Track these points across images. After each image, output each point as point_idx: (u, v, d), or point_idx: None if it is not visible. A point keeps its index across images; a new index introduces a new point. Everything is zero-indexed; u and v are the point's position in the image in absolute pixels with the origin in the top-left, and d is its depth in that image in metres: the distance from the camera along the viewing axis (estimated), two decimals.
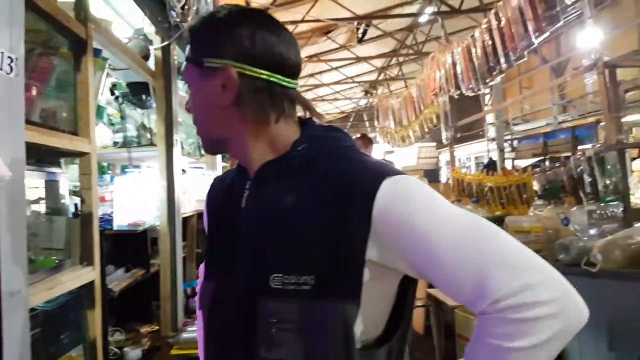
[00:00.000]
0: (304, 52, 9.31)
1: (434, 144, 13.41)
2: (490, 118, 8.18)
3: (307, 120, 0.82)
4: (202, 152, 3.83)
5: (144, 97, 2.54)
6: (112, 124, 2.61)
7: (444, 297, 3.31)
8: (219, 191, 0.89)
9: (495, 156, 6.80)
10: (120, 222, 2.19)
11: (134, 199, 2.26)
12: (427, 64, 4.95)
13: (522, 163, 7.44)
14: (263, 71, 0.75)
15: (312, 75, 11.36)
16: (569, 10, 3.07)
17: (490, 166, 6.19)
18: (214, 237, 0.87)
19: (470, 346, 0.69)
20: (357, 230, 0.69)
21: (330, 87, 12.76)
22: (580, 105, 8.78)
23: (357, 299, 0.69)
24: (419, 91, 5.28)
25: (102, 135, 2.59)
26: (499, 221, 2.92)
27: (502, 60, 3.25)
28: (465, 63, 3.87)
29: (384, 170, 0.72)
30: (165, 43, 2.47)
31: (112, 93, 2.57)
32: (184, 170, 3.19)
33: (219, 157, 3.88)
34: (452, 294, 0.68)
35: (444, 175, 11.61)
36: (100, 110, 2.55)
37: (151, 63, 2.51)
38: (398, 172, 0.72)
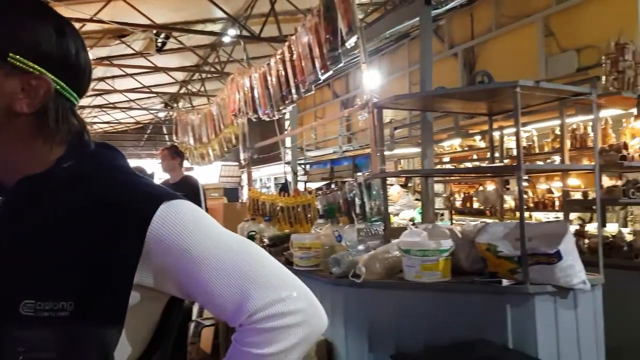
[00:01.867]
0: (94, 54, 8.52)
1: (237, 163, 13.64)
2: (288, 142, 8.77)
3: (76, 135, 0.77)
4: None
5: None
6: None
7: None
8: None
9: (290, 178, 7.30)
10: None
11: None
12: (227, 85, 5.06)
13: (313, 185, 8.17)
14: (49, 74, 0.71)
15: (102, 79, 10.43)
16: (350, 54, 3.53)
17: (285, 188, 6.61)
18: None
19: (226, 357, 0.74)
20: (126, 255, 0.69)
21: (124, 94, 11.90)
22: (361, 137, 10.09)
23: (120, 324, 0.69)
24: (219, 110, 5.35)
25: None
26: (287, 238, 3.14)
27: (294, 90, 3.55)
28: (262, 89, 4.10)
29: (159, 195, 0.73)
30: None
31: None
32: None
33: None
34: (215, 311, 0.74)
35: (245, 194, 11.90)
36: None
37: None
38: (173, 197, 0.74)
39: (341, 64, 3.15)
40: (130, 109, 13.82)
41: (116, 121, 15.41)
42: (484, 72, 2.67)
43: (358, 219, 2.96)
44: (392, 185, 6.24)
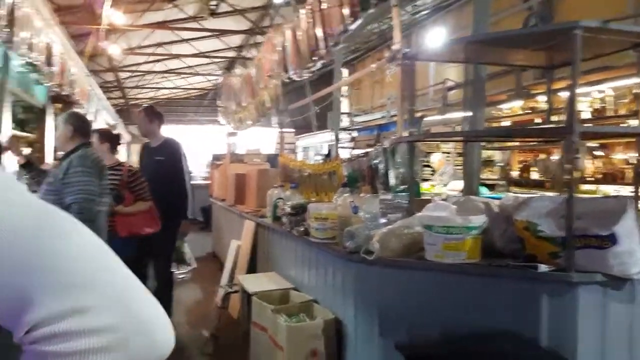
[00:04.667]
0: (148, 19, 8.57)
1: (293, 130, 13.54)
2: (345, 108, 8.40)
3: None
4: None
5: None
6: None
7: (247, 285, 3.26)
8: None
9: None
10: None
11: None
12: (263, 45, 4.81)
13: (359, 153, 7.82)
14: None
15: (160, 44, 10.54)
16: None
17: (329, 155, 6.36)
18: None
19: None
20: None
21: (182, 60, 12.02)
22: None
23: None
24: (257, 72, 5.13)
25: None
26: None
27: (322, 45, 3.23)
28: (292, 46, 3.80)
29: None
30: None
31: None
32: None
33: (7, 122, 3.28)
34: None
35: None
36: None
37: None
38: None
39: (372, 10, 2.77)
40: (192, 74, 13.99)
41: (178, 88, 15.74)
42: (540, 14, 2.20)
43: (382, 188, 2.64)
44: (432, 152, 5.78)
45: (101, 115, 8.57)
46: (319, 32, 3.25)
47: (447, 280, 2.05)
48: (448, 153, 6.03)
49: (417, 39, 10.06)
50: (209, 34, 10.17)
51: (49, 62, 3.76)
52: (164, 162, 3.80)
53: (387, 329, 2.15)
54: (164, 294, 3.79)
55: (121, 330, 0.50)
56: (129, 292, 0.53)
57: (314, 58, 3.43)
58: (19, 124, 3.64)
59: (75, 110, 3.79)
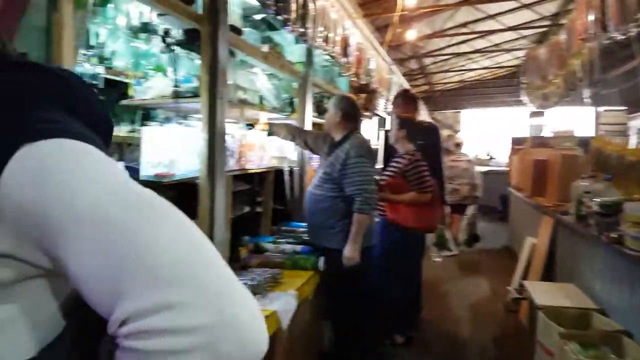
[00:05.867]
0: None
1: (623, 108, 11.10)
2: None
3: None
4: (294, 107, 3.67)
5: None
6: (164, 73, 2.57)
7: (535, 294, 2.67)
8: None
9: None
10: (146, 172, 2.15)
11: (163, 150, 2.19)
12: (576, 4, 3.91)
13: None
14: None
15: (465, 24, 10.19)
16: None
17: None
18: None
19: None
20: None
21: (487, 39, 11.35)
22: None
23: None
24: (568, 37, 4.23)
25: (161, 85, 2.58)
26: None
27: None
28: None
29: (27, 130, 0.51)
30: None
31: (164, 40, 2.51)
32: (250, 126, 3.07)
33: (309, 111, 3.67)
34: (93, 305, 0.51)
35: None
36: (144, 55, 2.53)
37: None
38: (47, 134, 0.51)
39: None
40: (499, 52, 13.14)
41: (484, 68, 15.08)
42: None
43: None
44: None
45: None
46: None
47: None
48: None
49: None
50: (517, 5, 9.22)
51: (345, 53, 4.01)
52: (425, 146, 3.56)
53: None
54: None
55: (211, 330, 0.47)
56: (224, 291, 0.50)
57: None
58: (320, 112, 4.03)
59: (347, 94, 3.92)
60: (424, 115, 12.20)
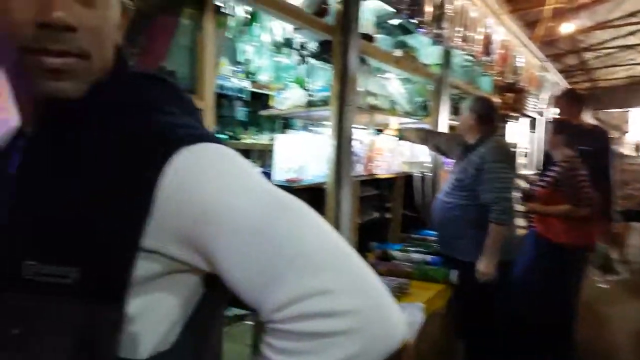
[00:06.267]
0: None
1: None
2: None
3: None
4: (427, 112, 3.55)
5: None
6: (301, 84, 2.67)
7: None
8: None
9: None
10: (278, 176, 2.27)
11: (294, 157, 2.28)
12: None
13: None
14: None
15: (633, 14, 8.83)
16: None
17: None
18: None
19: None
20: (133, 209, 0.54)
21: None
22: None
23: (117, 301, 0.53)
24: None
25: (296, 96, 2.70)
26: None
27: None
28: None
29: (178, 137, 0.56)
30: None
31: (300, 53, 2.62)
32: (380, 131, 3.03)
33: (444, 116, 3.51)
34: (244, 295, 0.55)
35: None
36: (285, 68, 2.66)
37: None
38: (200, 139, 0.57)
39: None
40: None
41: None
42: None
43: None
44: None
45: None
46: None
47: None
48: None
49: None
50: None
51: (487, 51, 3.76)
52: (590, 153, 3.07)
53: None
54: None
55: (361, 314, 0.51)
56: (369, 280, 0.55)
57: None
58: (458, 114, 3.83)
59: (483, 95, 3.62)
60: (586, 115, 10.87)
